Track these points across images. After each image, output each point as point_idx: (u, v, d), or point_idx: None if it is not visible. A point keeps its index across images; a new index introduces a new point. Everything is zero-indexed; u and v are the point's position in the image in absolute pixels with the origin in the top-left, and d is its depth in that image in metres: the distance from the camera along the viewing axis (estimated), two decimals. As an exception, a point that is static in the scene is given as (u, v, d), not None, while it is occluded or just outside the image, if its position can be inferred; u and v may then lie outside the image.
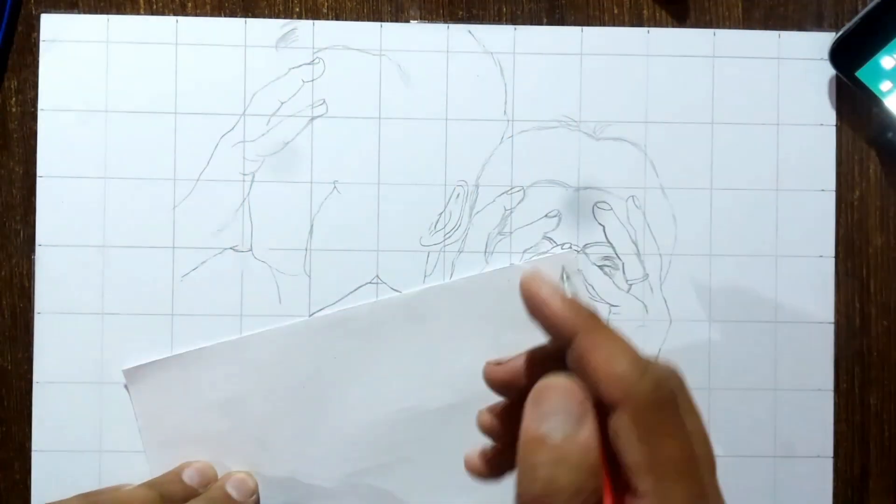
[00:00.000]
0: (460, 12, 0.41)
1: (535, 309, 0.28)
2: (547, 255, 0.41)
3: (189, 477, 0.39)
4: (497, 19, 0.41)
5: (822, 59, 0.41)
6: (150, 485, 0.38)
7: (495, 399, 0.30)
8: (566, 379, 0.27)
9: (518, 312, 0.28)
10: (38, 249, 0.40)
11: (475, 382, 0.30)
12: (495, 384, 0.30)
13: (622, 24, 0.41)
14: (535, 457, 0.26)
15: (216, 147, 0.40)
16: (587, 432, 0.26)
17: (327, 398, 0.40)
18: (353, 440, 0.40)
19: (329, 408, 0.40)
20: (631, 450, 0.26)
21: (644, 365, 0.27)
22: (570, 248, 0.41)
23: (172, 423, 0.39)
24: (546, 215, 0.41)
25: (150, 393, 0.39)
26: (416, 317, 0.40)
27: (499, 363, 0.30)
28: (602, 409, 0.27)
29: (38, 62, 0.40)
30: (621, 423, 0.26)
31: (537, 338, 0.28)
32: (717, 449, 0.41)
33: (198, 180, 0.40)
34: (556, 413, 0.27)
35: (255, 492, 0.40)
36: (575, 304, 0.28)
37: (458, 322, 0.40)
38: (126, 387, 0.40)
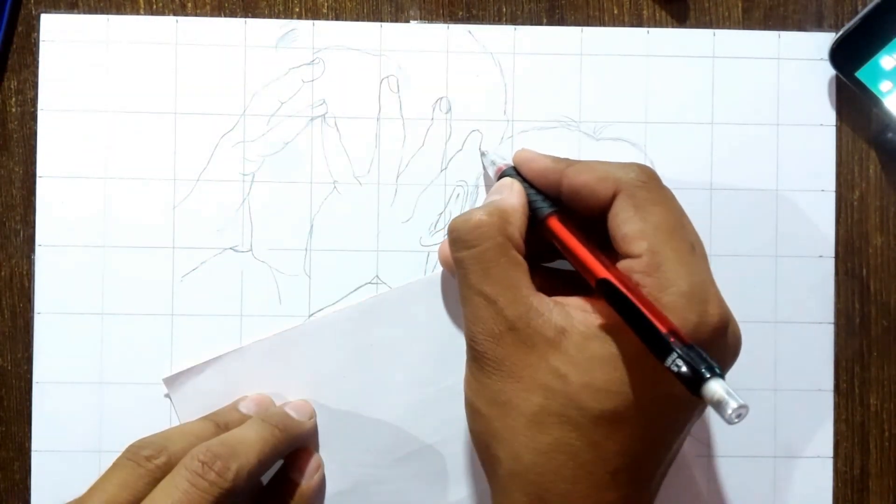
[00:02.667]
0: (460, 12, 0.41)
1: (529, 168, 0.35)
2: None
3: (246, 407, 0.38)
4: (497, 19, 0.41)
5: (822, 59, 0.41)
6: (207, 417, 0.37)
7: None
8: (507, 177, 0.36)
9: None
10: (38, 249, 0.40)
11: None
12: None
13: (622, 24, 0.41)
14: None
15: (216, 147, 0.40)
16: (510, 196, 0.34)
17: (368, 385, 0.40)
18: (397, 424, 0.40)
19: (371, 395, 0.40)
20: (626, 223, 0.31)
21: (624, 164, 0.33)
22: None
23: None
24: (546, 215, 0.41)
25: (192, 398, 0.39)
26: (444, 294, 0.40)
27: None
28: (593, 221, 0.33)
29: (38, 62, 0.40)
30: (618, 205, 0.32)
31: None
32: (718, 448, 0.41)
33: (198, 180, 0.40)
34: (495, 191, 0.35)
35: (314, 415, 0.39)
36: (554, 157, 0.35)
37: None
38: (167, 395, 0.40)
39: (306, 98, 0.40)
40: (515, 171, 0.36)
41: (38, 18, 0.40)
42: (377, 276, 0.40)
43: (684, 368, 0.27)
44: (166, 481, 0.32)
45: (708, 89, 0.41)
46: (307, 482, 0.38)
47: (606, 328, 0.30)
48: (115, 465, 0.33)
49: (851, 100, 0.41)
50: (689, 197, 0.41)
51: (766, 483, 0.41)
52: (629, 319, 0.29)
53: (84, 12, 0.40)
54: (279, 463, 0.38)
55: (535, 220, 0.34)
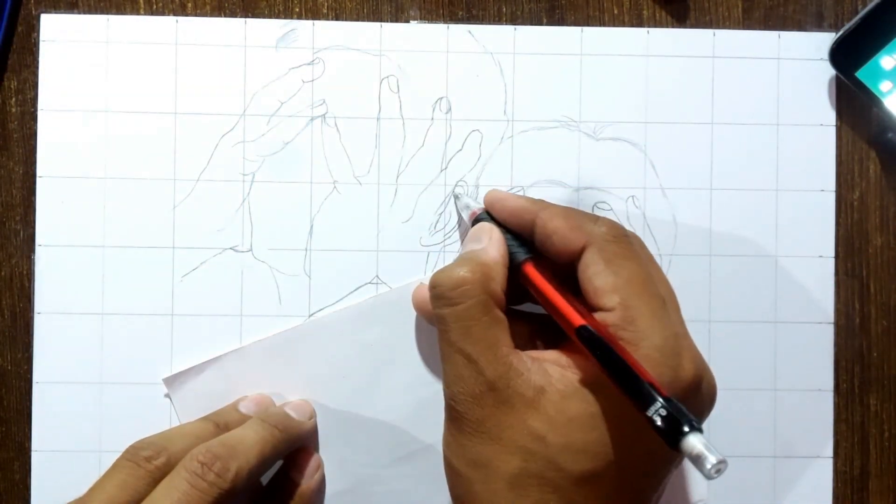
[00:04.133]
0: (460, 12, 0.41)
1: (502, 209, 0.35)
2: None
3: (245, 407, 0.38)
4: (497, 19, 0.41)
5: (821, 59, 0.41)
6: (207, 418, 0.37)
7: None
8: (485, 222, 0.36)
9: None
10: (38, 249, 0.40)
11: None
12: None
13: (622, 24, 0.41)
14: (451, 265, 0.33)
15: (216, 147, 0.40)
16: (491, 248, 0.34)
17: (368, 386, 0.40)
18: (398, 424, 0.40)
19: (371, 395, 0.40)
20: (598, 276, 0.31)
21: (595, 217, 0.33)
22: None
23: None
24: (546, 215, 0.41)
25: (192, 398, 0.39)
26: None
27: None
28: (566, 266, 0.33)
29: (38, 62, 0.40)
30: (589, 257, 0.32)
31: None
32: (717, 448, 0.41)
33: (198, 180, 0.40)
34: (473, 238, 0.35)
35: (314, 415, 0.39)
36: (528, 197, 0.35)
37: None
38: (167, 395, 0.40)
39: (306, 98, 0.40)
40: (489, 216, 0.36)
41: (38, 18, 0.40)
42: (377, 276, 0.40)
43: (661, 423, 0.27)
44: (166, 482, 0.32)
45: (708, 89, 0.41)
46: (307, 482, 0.38)
47: (585, 386, 0.30)
48: (114, 465, 0.33)
49: (851, 100, 0.41)
50: (689, 197, 0.41)
51: (766, 483, 0.41)
52: (609, 368, 0.29)
53: (84, 12, 0.40)
54: (279, 463, 0.38)
55: (510, 265, 0.34)
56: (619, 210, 0.41)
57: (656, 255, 0.41)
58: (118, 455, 0.33)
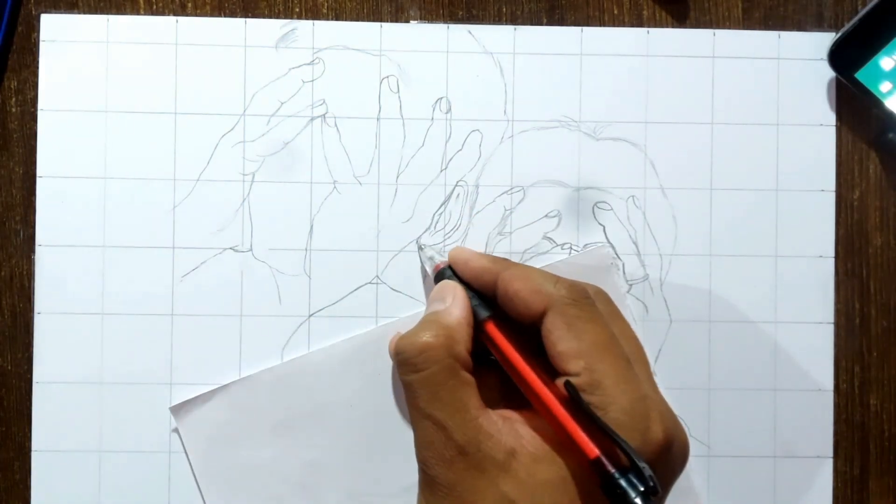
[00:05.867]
0: (460, 12, 0.41)
1: (465, 269, 0.36)
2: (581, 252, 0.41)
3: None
4: (497, 19, 0.41)
5: (821, 59, 0.41)
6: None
7: None
8: (449, 280, 0.36)
9: None
10: (38, 249, 0.40)
11: None
12: None
13: (622, 24, 0.41)
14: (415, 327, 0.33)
15: (216, 147, 0.40)
16: (454, 308, 0.34)
17: (375, 414, 0.40)
18: (406, 453, 0.39)
19: (379, 423, 0.40)
20: (561, 340, 0.31)
21: (556, 278, 0.33)
22: (570, 248, 0.41)
23: (224, 453, 0.39)
24: (546, 215, 0.41)
25: (199, 427, 0.39)
26: None
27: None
28: (530, 328, 0.33)
29: (38, 62, 0.40)
30: (550, 322, 0.32)
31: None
32: (717, 449, 0.41)
33: (198, 180, 0.40)
34: (437, 297, 0.35)
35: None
36: (492, 256, 0.36)
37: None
38: (174, 422, 0.39)
39: (306, 98, 0.40)
40: (452, 270, 0.36)
41: (38, 18, 0.40)
42: (377, 276, 0.40)
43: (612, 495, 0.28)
44: None
45: (708, 89, 0.41)
46: None
47: (554, 448, 0.30)
48: None
49: (851, 100, 0.41)
50: (689, 197, 0.41)
51: (766, 483, 0.41)
52: (570, 435, 0.30)
53: (84, 12, 0.40)
54: None
55: (475, 321, 0.34)
56: (619, 210, 0.41)
57: (656, 255, 0.41)
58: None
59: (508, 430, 0.31)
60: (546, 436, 0.31)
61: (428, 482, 0.32)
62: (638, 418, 0.30)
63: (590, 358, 0.31)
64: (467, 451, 0.30)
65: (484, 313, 0.34)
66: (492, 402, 0.33)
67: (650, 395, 0.31)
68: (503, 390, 0.34)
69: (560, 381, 0.31)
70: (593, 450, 0.29)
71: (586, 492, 0.30)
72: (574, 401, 0.30)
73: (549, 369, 0.32)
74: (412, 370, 0.32)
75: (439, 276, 0.37)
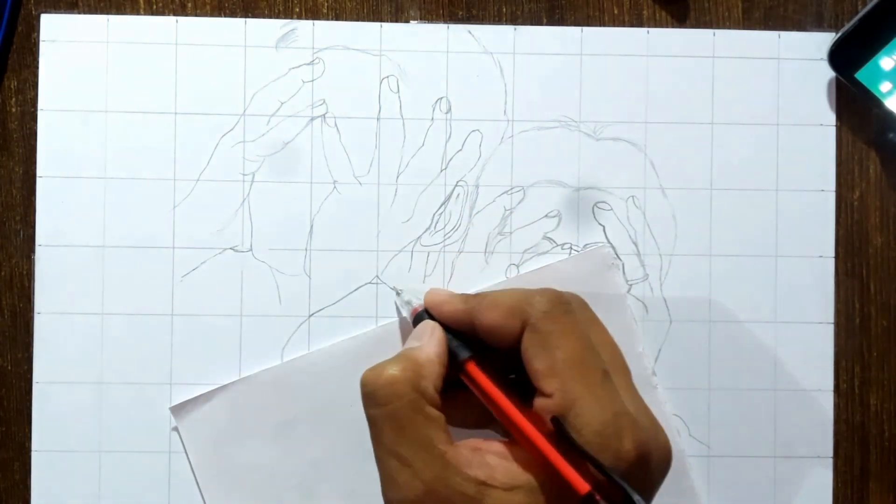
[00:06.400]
0: (460, 12, 0.41)
1: (440, 312, 0.35)
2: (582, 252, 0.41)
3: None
4: (497, 19, 0.41)
5: (821, 59, 0.41)
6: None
7: None
8: (427, 320, 0.35)
9: None
10: (38, 249, 0.40)
11: None
12: None
13: (622, 24, 0.41)
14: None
15: (216, 147, 0.40)
16: (428, 346, 0.33)
17: None
18: None
19: None
20: (536, 359, 0.31)
21: (528, 293, 0.32)
22: (570, 248, 0.41)
23: (224, 453, 0.39)
24: (546, 215, 0.41)
25: (199, 427, 0.39)
26: None
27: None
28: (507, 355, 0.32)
29: (38, 62, 0.40)
30: (526, 340, 0.31)
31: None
32: (717, 449, 0.41)
33: (198, 180, 0.40)
34: (415, 336, 0.34)
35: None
36: (465, 296, 0.35)
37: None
38: (174, 421, 0.39)
39: (306, 98, 0.40)
40: (429, 314, 0.36)
41: (38, 18, 0.40)
42: (377, 276, 0.40)
43: None
44: None
45: (708, 89, 0.41)
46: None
47: (529, 478, 0.30)
48: None
49: (851, 100, 0.41)
50: (689, 197, 0.41)
51: (766, 483, 0.41)
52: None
53: (84, 12, 0.40)
54: None
55: (454, 363, 0.34)
56: (618, 210, 0.41)
57: (656, 255, 0.41)
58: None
59: (479, 462, 0.30)
60: (522, 464, 0.30)
61: None
62: (610, 437, 0.29)
63: (563, 376, 0.30)
64: (435, 489, 0.29)
65: (465, 354, 0.33)
66: (476, 425, 0.33)
67: (624, 409, 0.30)
68: (488, 413, 0.33)
69: (541, 406, 0.30)
70: (584, 485, 0.28)
71: None
72: (560, 435, 0.29)
73: (526, 409, 0.31)
74: (376, 404, 0.31)
75: (417, 319, 0.36)
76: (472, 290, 0.40)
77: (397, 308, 0.40)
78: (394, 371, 0.31)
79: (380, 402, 0.31)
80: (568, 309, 0.32)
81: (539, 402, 0.31)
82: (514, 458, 0.30)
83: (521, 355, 0.32)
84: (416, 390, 0.31)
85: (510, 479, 0.30)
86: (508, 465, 0.30)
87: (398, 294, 0.39)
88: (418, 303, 0.37)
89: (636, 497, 0.28)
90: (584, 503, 0.28)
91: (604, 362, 0.31)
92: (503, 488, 0.29)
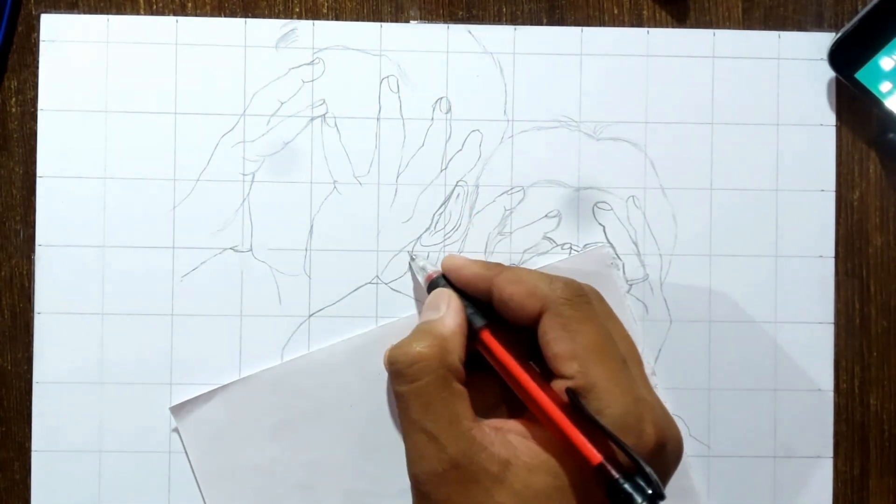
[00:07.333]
0: (460, 12, 0.41)
1: (458, 277, 0.35)
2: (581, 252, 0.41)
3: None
4: (497, 19, 0.41)
5: (821, 59, 0.41)
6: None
7: None
8: (442, 287, 0.35)
9: None
10: (38, 249, 0.40)
11: None
12: None
13: (622, 24, 0.41)
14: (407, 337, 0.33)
15: (216, 147, 0.40)
16: (448, 318, 0.33)
17: (374, 415, 0.39)
18: (402, 453, 0.39)
19: (379, 423, 0.40)
20: (556, 342, 0.31)
21: (550, 278, 0.33)
22: (570, 248, 0.41)
23: (224, 453, 0.39)
24: (546, 215, 0.41)
25: (199, 427, 0.39)
26: None
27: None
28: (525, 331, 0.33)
29: (38, 62, 0.40)
30: (545, 323, 0.32)
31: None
32: (717, 448, 0.41)
33: (198, 180, 0.40)
34: (431, 306, 0.35)
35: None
36: (485, 262, 0.36)
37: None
38: (174, 421, 0.39)
39: (306, 98, 0.40)
40: (445, 279, 0.36)
41: (38, 18, 0.40)
42: (377, 276, 0.40)
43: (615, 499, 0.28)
44: None
45: (708, 89, 0.41)
46: None
47: (551, 457, 0.30)
48: None
49: (851, 100, 0.41)
50: (689, 197, 0.41)
51: (766, 483, 0.41)
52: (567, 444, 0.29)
53: (84, 12, 0.40)
54: None
55: (469, 330, 0.34)
56: (618, 210, 0.41)
57: (656, 255, 0.41)
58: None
59: (501, 441, 0.31)
60: (542, 444, 0.30)
61: (421, 500, 0.31)
62: (632, 421, 0.30)
63: (584, 360, 0.30)
64: (461, 464, 0.30)
65: (479, 322, 0.34)
66: (489, 408, 0.33)
67: (644, 396, 0.31)
68: (501, 396, 0.34)
69: (560, 387, 0.31)
70: (596, 456, 0.29)
71: (584, 499, 0.29)
72: (575, 406, 0.30)
73: (548, 374, 0.32)
74: (404, 381, 0.32)
75: (432, 285, 0.36)
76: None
77: (412, 272, 0.40)
78: (420, 348, 0.32)
79: (408, 378, 0.32)
80: (587, 300, 0.32)
81: (558, 384, 0.31)
82: (535, 438, 0.31)
83: (536, 337, 0.32)
84: (444, 366, 0.32)
85: (532, 458, 0.30)
86: (530, 445, 0.31)
87: (413, 259, 0.39)
88: (433, 269, 0.37)
89: (651, 472, 0.28)
90: (596, 474, 0.28)
91: (622, 352, 0.32)
92: (526, 468, 0.30)
